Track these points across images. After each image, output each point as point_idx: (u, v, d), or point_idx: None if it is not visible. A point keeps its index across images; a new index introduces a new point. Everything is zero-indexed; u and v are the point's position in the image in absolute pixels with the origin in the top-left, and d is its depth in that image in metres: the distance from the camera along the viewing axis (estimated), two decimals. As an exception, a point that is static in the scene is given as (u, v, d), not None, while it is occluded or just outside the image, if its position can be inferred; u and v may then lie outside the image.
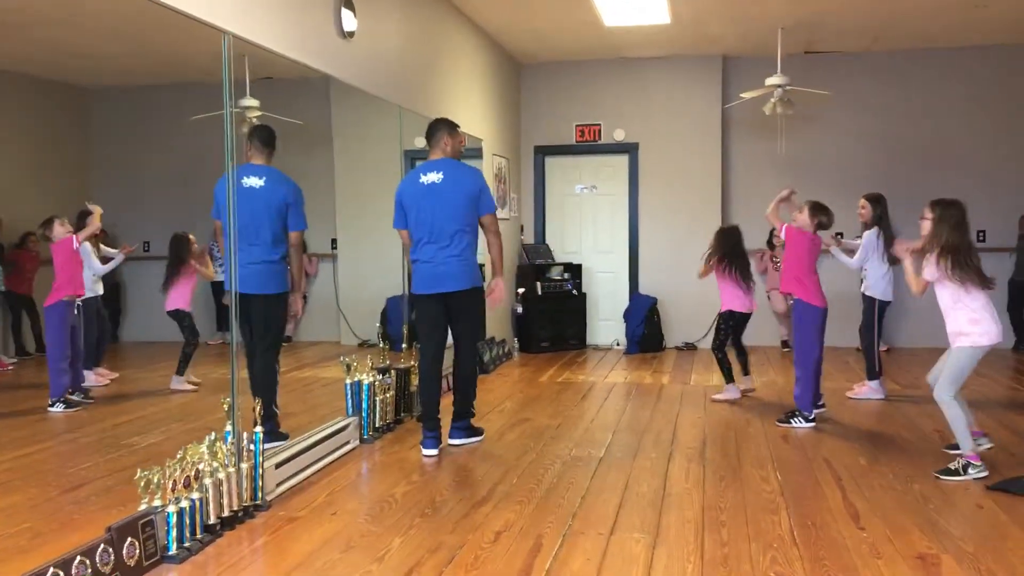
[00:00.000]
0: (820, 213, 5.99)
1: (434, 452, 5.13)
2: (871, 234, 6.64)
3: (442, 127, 5.32)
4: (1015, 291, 9.14)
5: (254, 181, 4.83)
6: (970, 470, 4.50)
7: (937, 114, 9.54)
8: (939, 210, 4.67)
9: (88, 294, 5.15)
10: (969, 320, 4.57)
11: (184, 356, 5.98)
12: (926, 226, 4.72)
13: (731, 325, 6.83)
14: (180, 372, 5.79)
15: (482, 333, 5.72)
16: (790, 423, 5.81)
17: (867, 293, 6.69)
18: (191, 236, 5.71)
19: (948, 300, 4.64)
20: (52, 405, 5.07)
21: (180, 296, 5.91)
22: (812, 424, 5.79)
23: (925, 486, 4.40)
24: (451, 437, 5.34)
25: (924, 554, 3.47)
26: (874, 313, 6.63)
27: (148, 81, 5.46)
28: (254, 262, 4.75)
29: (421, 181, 5.21)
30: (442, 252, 5.14)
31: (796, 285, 5.90)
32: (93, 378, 5.43)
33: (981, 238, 9.45)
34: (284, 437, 4.77)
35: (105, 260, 5.35)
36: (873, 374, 6.77)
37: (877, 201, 6.75)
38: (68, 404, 5.01)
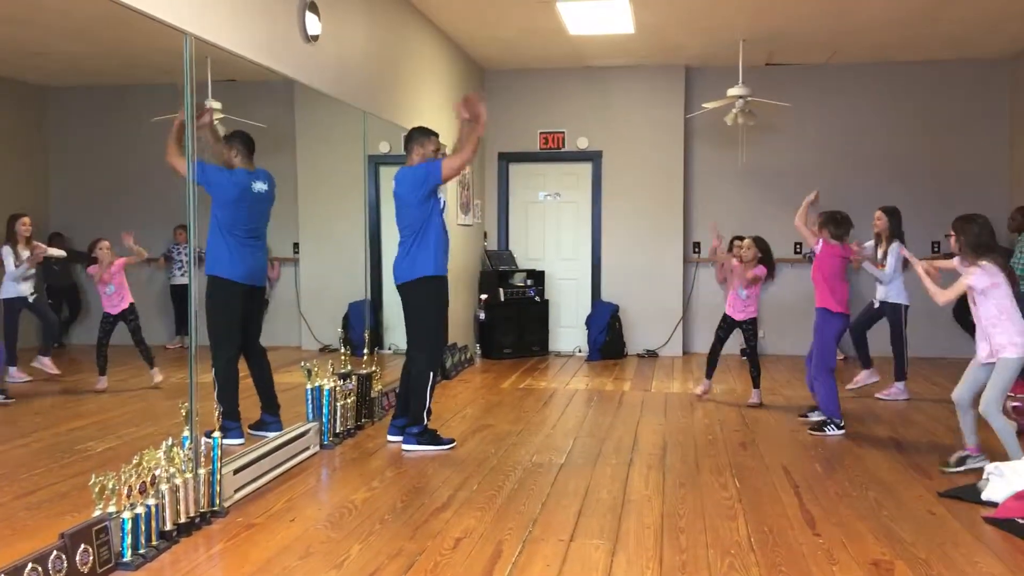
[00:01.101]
0: (829, 224, 6.18)
1: (395, 439, 5.47)
2: (896, 246, 7.02)
3: (410, 137, 5.59)
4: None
5: (260, 186, 5.15)
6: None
7: (893, 126, 9.71)
8: (976, 223, 4.76)
9: (7, 295, 5.05)
10: (1019, 331, 4.61)
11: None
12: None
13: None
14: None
15: (423, 336, 5.48)
16: (823, 432, 5.84)
17: (891, 301, 7.10)
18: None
19: (993, 311, 4.66)
20: None
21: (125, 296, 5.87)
22: (843, 431, 5.86)
23: (880, 493, 4.47)
24: (404, 442, 5.45)
25: (878, 560, 3.53)
26: (902, 318, 7.06)
27: (109, 81, 5.39)
28: (261, 260, 5.24)
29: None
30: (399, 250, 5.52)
31: (829, 296, 6.04)
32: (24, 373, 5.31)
33: (935, 249, 9.64)
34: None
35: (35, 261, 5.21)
36: (901, 375, 7.14)
37: (892, 214, 7.20)
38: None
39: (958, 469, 4.82)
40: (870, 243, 7.32)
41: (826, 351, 6.04)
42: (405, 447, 5.35)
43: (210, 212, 4.98)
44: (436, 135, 5.63)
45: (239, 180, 5.08)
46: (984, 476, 4.37)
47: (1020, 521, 3.90)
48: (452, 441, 5.47)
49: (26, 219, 5.01)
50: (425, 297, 5.40)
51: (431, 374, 5.44)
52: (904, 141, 9.69)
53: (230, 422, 4.80)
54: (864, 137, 9.75)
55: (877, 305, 7.26)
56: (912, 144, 9.68)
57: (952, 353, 9.39)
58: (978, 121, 9.59)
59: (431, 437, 5.41)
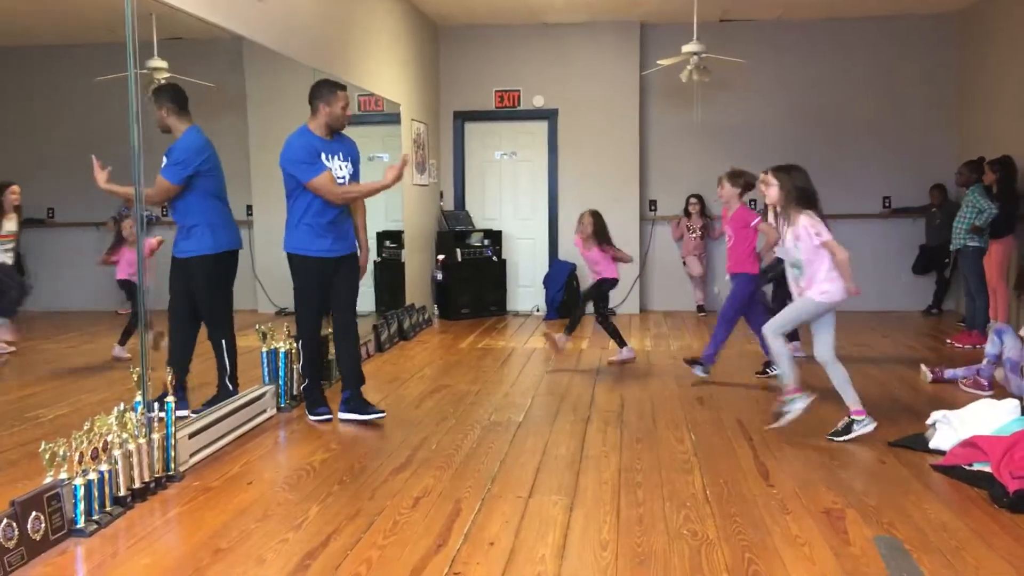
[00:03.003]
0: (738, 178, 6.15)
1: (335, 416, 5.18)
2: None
3: (316, 91, 5.00)
4: (925, 256, 9.49)
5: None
6: (856, 427, 4.60)
7: (845, 82, 9.76)
8: (790, 173, 4.85)
9: None
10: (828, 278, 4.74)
11: (129, 327, 5.83)
12: (773, 192, 4.84)
13: (606, 292, 7.00)
14: (122, 342, 5.64)
15: (296, 313, 5.23)
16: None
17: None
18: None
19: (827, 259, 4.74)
20: None
21: (128, 265, 5.79)
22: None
23: (832, 445, 4.55)
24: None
25: (830, 509, 3.60)
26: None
27: (48, 41, 5.23)
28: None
29: None
30: None
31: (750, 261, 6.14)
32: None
33: (886, 204, 9.78)
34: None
35: None
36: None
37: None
38: None
39: (846, 437, 4.59)
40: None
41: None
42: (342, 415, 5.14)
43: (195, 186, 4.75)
44: (344, 89, 5.05)
45: (200, 140, 4.78)
46: (931, 425, 4.47)
47: (967, 468, 4.00)
48: (327, 413, 5.16)
49: (15, 187, 4.92)
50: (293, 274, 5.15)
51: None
52: (855, 96, 9.76)
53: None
54: (816, 93, 9.81)
55: None
56: (863, 99, 9.75)
57: (901, 307, 9.59)
58: (928, 76, 9.68)
59: (311, 401, 5.23)
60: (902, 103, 9.72)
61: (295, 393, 5.51)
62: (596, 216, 6.85)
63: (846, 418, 4.64)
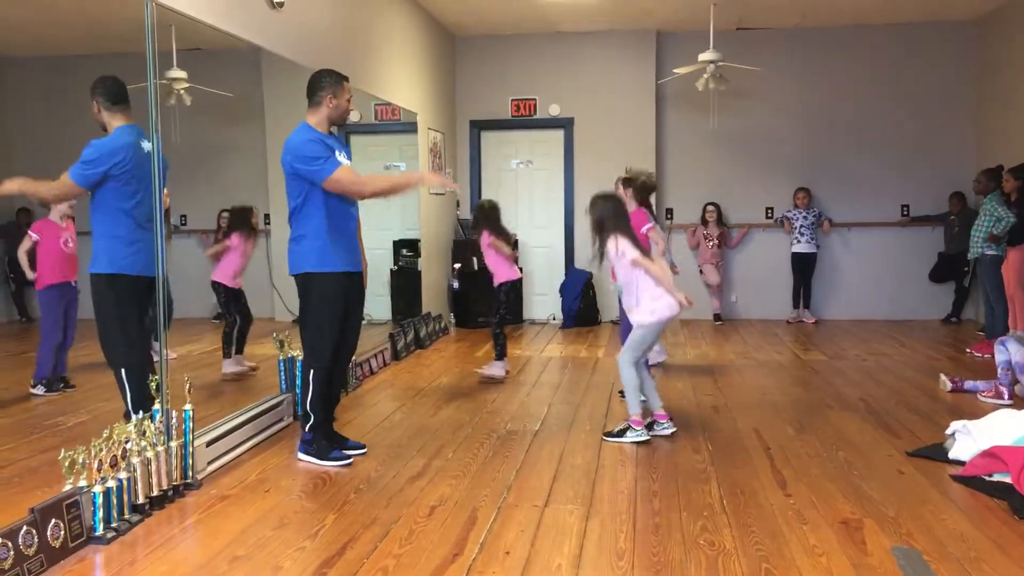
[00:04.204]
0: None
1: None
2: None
3: (318, 81, 4.46)
4: (944, 264, 9.44)
5: (147, 145, 4.14)
6: (629, 433, 4.81)
7: (863, 89, 9.74)
8: (595, 204, 4.92)
9: None
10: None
11: (224, 337, 5.96)
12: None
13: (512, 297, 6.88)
14: (226, 354, 5.73)
15: (311, 339, 4.47)
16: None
17: None
18: (254, 208, 5.56)
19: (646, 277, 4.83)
20: (34, 387, 5.05)
21: (221, 269, 5.91)
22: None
23: (849, 453, 4.52)
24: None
25: (848, 519, 3.58)
26: None
27: (68, 51, 5.28)
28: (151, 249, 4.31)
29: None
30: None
31: None
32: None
33: (905, 212, 9.73)
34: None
35: None
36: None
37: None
38: (49, 388, 4.94)
39: (618, 440, 4.80)
40: None
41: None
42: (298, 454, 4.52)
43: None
44: (347, 80, 4.54)
45: (120, 141, 4.10)
46: (950, 435, 4.43)
47: (987, 479, 3.97)
48: (342, 458, 4.44)
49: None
50: (309, 295, 4.47)
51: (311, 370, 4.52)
52: (874, 104, 9.73)
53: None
54: (834, 100, 9.79)
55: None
56: (881, 107, 9.72)
57: (919, 315, 9.53)
58: (947, 83, 9.64)
59: (318, 449, 4.47)
60: (921, 110, 9.67)
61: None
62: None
63: (624, 422, 4.88)
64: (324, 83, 4.38)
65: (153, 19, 4.03)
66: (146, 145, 4.12)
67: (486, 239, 6.59)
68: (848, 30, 9.67)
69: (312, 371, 4.45)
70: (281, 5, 5.41)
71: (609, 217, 4.85)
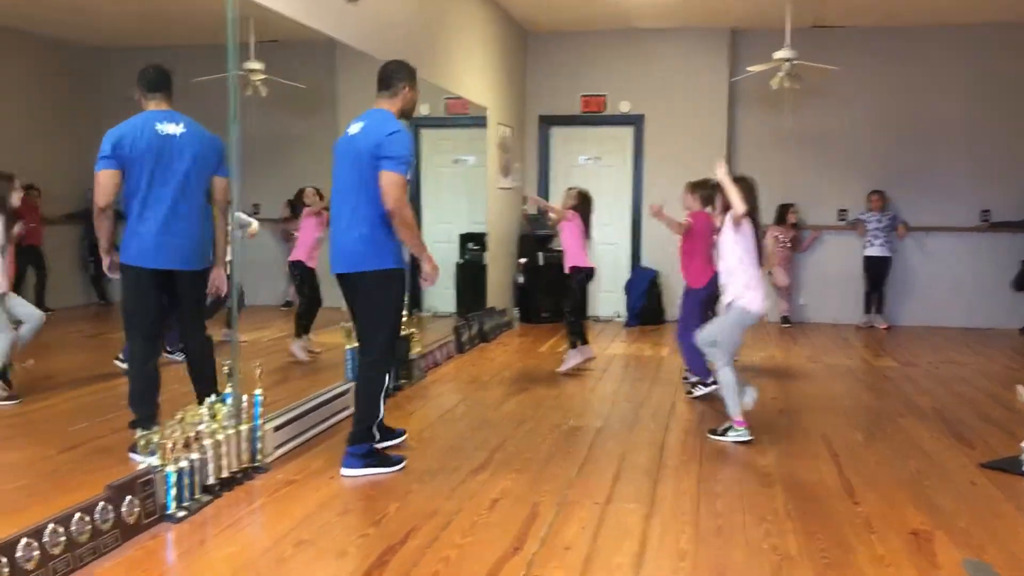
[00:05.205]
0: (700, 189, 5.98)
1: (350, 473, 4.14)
2: None
3: (396, 72, 4.28)
4: None
5: (169, 127, 4.03)
6: (730, 433, 4.78)
7: (943, 89, 9.46)
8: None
9: None
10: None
11: (296, 317, 6.12)
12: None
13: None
14: (296, 334, 5.93)
15: (387, 337, 4.21)
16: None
17: None
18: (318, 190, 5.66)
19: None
20: (122, 360, 5.13)
21: (298, 247, 6.09)
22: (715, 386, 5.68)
23: (921, 462, 4.42)
24: (343, 465, 4.15)
25: (918, 529, 3.50)
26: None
27: (154, 43, 5.43)
28: (171, 237, 4.10)
29: (348, 131, 4.25)
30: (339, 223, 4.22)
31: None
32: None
33: (985, 217, 9.45)
34: None
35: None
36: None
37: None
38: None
39: (723, 439, 4.81)
40: None
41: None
42: (344, 471, 4.13)
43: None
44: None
45: (125, 126, 4.00)
46: (1028, 448, 4.31)
47: (1065, 494, 3.85)
48: (397, 461, 4.27)
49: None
50: (384, 289, 4.19)
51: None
52: (954, 105, 9.44)
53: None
54: (912, 100, 9.52)
55: None
56: (961, 107, 9.43)
57: (998, 324, 9.24)
58: (1033, 86, 9.32)
59: (379, 456, 4.25)
60: (1005, 112, 9.36)
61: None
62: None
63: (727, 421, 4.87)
64: (406, 73, 4.26)
65: (235, 12, 4.11)
66: (167, 128, 3.99)
67: (572, 218, 6.58)
68: (927, 29, 9.39)
69: (390, 371, 4.36)
70: (357, -1, 5.48)
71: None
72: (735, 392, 4.81)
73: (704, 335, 4.97)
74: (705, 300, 5.90)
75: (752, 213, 4.82)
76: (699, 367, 5.85)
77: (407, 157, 4.04)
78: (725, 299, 4.87)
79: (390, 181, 3.98)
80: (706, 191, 5.84)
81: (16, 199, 4.93)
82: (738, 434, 4.78)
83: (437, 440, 4.78)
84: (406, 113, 4.31)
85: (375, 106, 4.25)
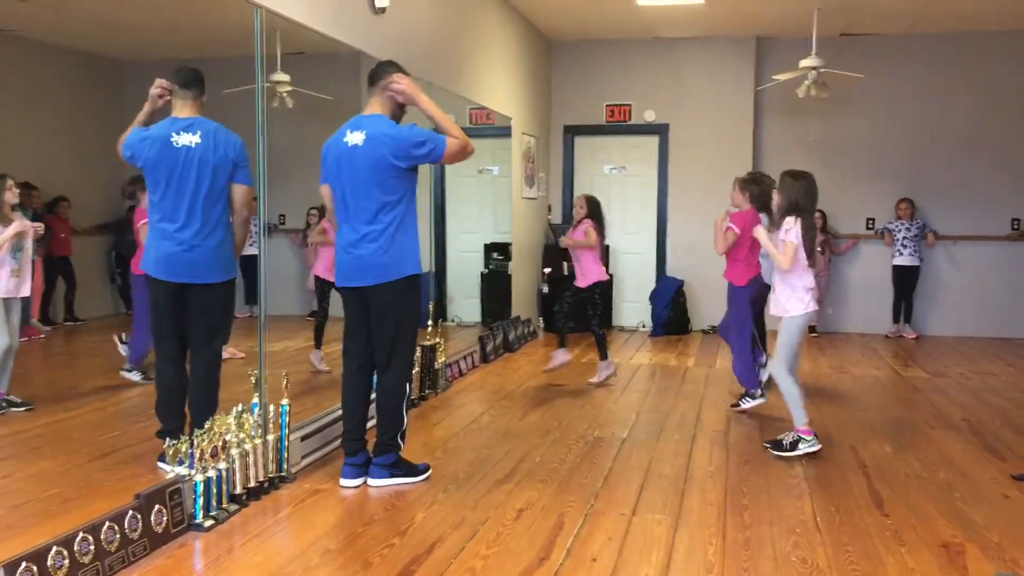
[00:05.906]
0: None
1: (353, 483, 4.10)
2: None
3: (383, 72, 4.14)
4: None
5: (186, 137, 3.94)
6: (801, 445, 4.63)
7: (971, 98, 9.36)
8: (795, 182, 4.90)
9: None
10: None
11: (315, 329, 6.17)
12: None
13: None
14: (316, 345, 5.99)
15: (410, 348, 4.25)
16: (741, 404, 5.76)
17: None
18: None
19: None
20: (129, 371, 5.30)
21: (319, 262, 6.18)
22: (762, 399, 5.70)
23: (951, 475, 4.36)
24: (370, 476, 4.13)
25: (948, 543, 3.45)
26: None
27: (181, 55, 5.48)
28: (175, 249, 4.04)
29: (344, 141, 4.10)
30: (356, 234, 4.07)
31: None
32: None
33: (1015, 226, 9.33)
34: None
35: None
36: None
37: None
38: (146, 375, 5.14)
39: (792, 454, 4.63)
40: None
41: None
42: (371, 481, 4.11)
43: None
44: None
45: (140, 133, 4.00)
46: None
47: (1100, 507, 3.78)
48: (423, 469, 4.27)
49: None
50: (408, 301, 4.12)
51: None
52: (983, 113, 9.34)
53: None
54: (940, 109, 9.43)
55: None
56: (990, 116, 9.33)
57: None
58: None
59: (407, 466, 4.21)
60: (1032, 121, 9.26)
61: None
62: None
63: (791, 434, 4.69)
64: (391, 68, 4.13)
65: (262, 25, 4.15)
66: (181, 139, 3.92)
67: (585, 227, 6.49)
68: (956, 36, 9.31)
69: (410, 380, 4.29)
70: (383, 11, 5.51)
71: (803, 196, 4.80)
72: (799, 401, 4.70)
73: (782, 364, 4.72)
74: (754, 299, 5.81)
75: (807, 212, 4.77)
76: (749, 378, 5.75)
77: (428, 131, 4.02)
78: (773, 308, 4.80)
79: (450, 153, 4.00)
80: (756, 189, 5.70)
81: (11, 197, 4.73)
82: (808, 444, 4.62)
83: (462, 450, 4.78)
84: (396, 115, 4.16)
85: (367, 108, 4.16)
